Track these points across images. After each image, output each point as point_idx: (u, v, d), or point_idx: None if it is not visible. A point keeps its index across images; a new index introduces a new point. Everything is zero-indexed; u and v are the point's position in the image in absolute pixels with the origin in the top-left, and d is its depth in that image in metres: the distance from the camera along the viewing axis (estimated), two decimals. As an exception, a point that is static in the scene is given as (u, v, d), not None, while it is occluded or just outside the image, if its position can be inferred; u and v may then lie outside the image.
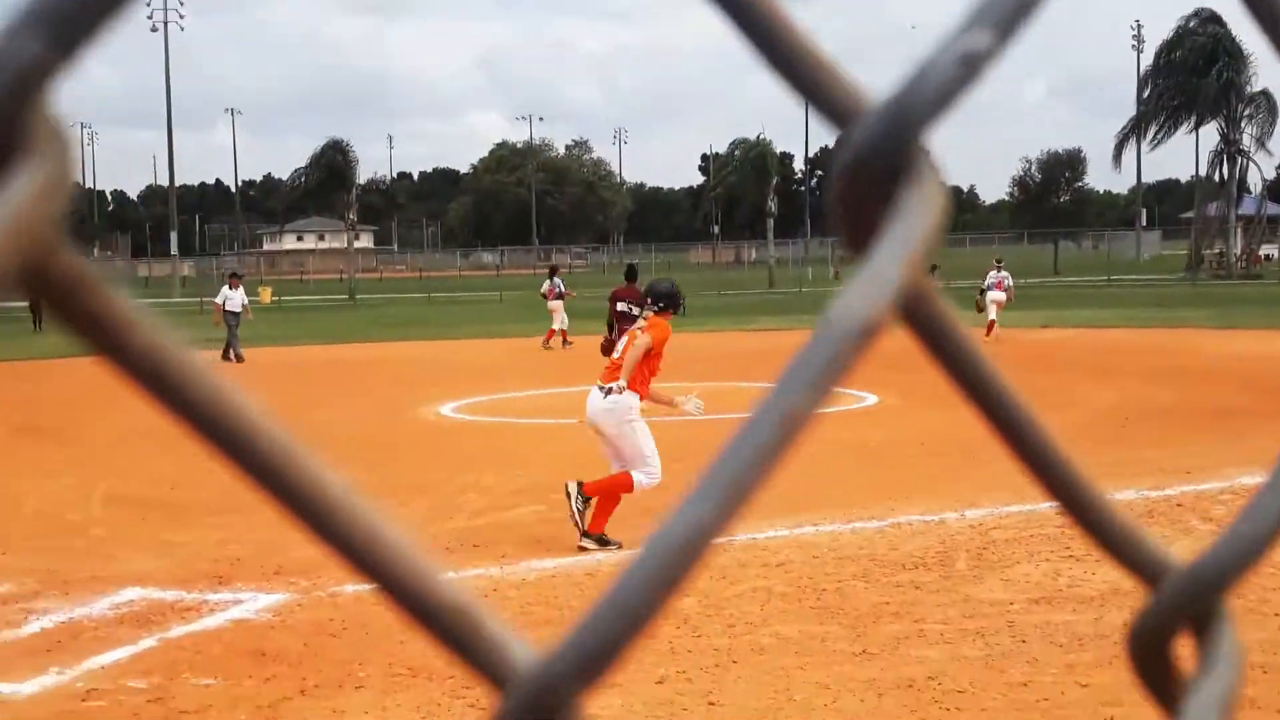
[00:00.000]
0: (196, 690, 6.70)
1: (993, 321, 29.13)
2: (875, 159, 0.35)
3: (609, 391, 10.06)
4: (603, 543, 9.69)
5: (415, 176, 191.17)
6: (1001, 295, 29.63)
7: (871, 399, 17.58)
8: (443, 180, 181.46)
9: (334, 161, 76.98)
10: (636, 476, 9.86)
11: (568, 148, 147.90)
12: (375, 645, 7.19)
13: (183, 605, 8.29)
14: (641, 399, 10.13)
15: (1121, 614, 7.62)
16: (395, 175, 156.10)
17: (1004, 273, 30.12)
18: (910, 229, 0.35)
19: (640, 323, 10.55)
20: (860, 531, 9.95)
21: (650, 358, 10.22)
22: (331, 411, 18.77)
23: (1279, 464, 0.49)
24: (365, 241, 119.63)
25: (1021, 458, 0.44)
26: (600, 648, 0.32)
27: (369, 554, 0.32)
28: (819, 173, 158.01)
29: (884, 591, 8.27)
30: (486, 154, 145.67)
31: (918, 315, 0.38)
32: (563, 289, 31.29)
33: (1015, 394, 0.43)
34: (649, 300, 10.77)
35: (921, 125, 0.36)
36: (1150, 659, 0.46)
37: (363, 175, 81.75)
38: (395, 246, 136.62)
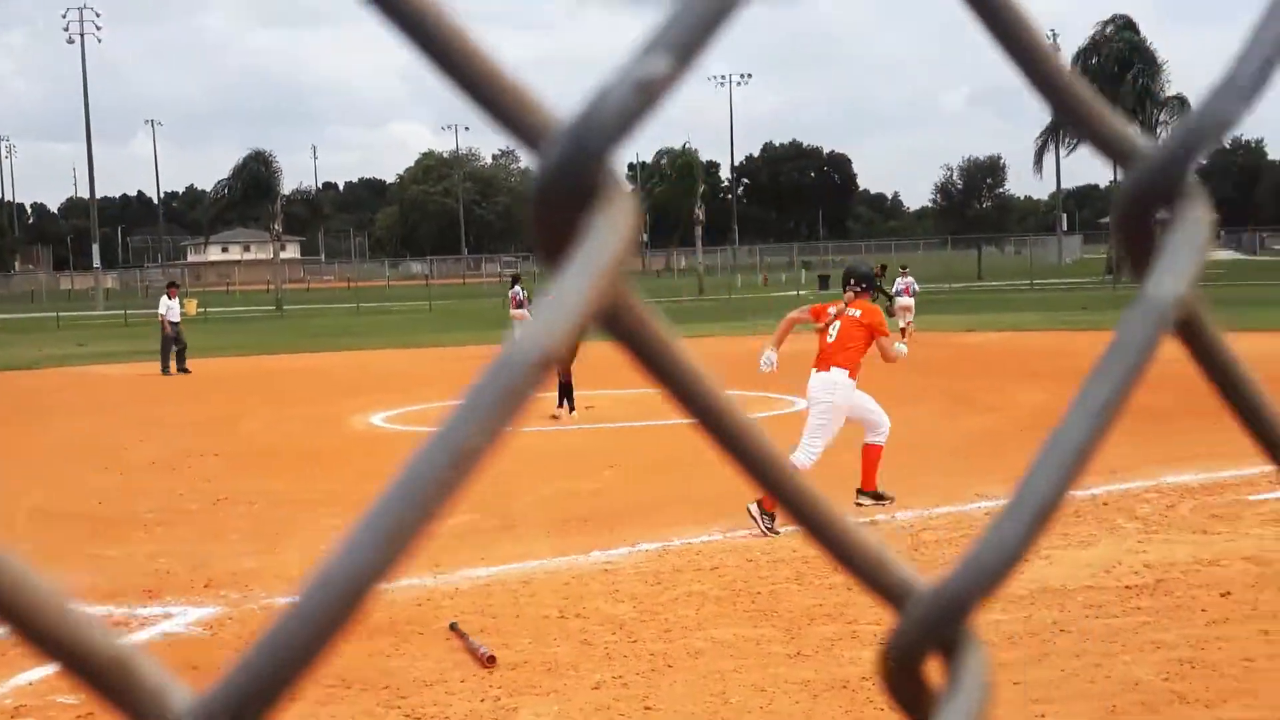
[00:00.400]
0: (127, 706, 6.62)
1: (906, 326, 29.87)
2: (561, 182, 0.36)
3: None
4: (878, 498, 10.67)
5: (341, 187, 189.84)
6: (910, 300, 31.19)
7: (801, 403, 17.64)
8: (369, 190, 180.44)
9: (257, 172, 76.36)
10: (871, 438, 10.80)
11: (495, 157, 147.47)
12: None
13: (112, 620, 8.18)
14: (851, 375, 10.79)
15: (1051, 613, 7.73)
16: (320, 185, 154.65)
17: (910, 278, 32.39)
18: (598, 251, 0.35)
19: (842, 305, 10.89)
20: (793, 534, 10.00)
21: (866, 338, 10.76)
22: (260, 423, 18.62)
23: (1017, 491, 0.49)
24: (292, 252, 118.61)
25: (749, 475, 0.43)
26: (256, 691, 0.31)
27: (12, 605, 0.30)
28: (745, 181, 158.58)
29: (817, 594, 8.33)
30: (413, 164, 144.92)
31: (620, 330, 0.38)
32: (522, 297, 30.93)
33: (734, 408, 0.42)
34: (852, 282, 11.03)
35: (603, 149, 0.36)
36: (900, 680, 0.46)
37: (287, 185, 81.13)
38: (323, 257, 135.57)
